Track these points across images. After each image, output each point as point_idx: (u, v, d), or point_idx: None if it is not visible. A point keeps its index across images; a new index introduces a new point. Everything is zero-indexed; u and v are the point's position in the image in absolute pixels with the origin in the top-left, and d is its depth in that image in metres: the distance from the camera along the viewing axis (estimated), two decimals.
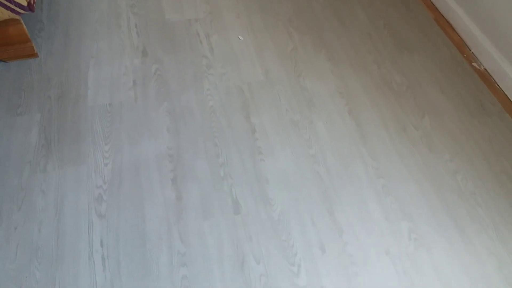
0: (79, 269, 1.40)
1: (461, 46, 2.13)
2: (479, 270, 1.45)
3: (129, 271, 1.40)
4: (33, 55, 1.95)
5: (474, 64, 2.06)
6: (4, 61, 1.93)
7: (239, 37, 2.11)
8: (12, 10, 1.69)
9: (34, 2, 1.76)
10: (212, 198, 1.57)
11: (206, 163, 1.66)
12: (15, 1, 1.66)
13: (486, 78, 2.01)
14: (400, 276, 1.42)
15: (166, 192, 1.57)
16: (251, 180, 1.63)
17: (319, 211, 1.56)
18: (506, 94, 1.94)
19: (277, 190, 1.61)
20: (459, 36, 2.17)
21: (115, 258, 1.42)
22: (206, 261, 1.43)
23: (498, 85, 1.97)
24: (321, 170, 1.67)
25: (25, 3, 1.69)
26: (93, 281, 1.38)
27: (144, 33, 2.11)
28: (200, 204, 1.55)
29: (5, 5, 1.66)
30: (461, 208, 1.59)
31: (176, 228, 1.49)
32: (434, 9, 2.30)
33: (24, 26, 1.82)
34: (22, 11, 1.71)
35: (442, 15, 2.26)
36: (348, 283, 1.40)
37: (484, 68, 2.04)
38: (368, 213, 1.56)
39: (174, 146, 1.71)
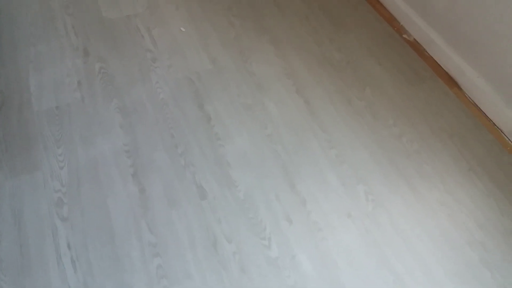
0: (49, 274, 1.36)
1: (391, 20, 2.28)
2: (433, 220, 1.58)
3: (101, 269, 1.38)
4: None
5: (405, 35, 2.21)
6: None
7: (181, 28, 2.12)
8: None
9: None
10: (176, 187, 1.59)
11: (165, 154, 1.67)
12: None
13: (416, 47, 2.17)
14: (363, 236, 1.52)
15: (128, 186, 1.57)
16: (212, 165, 1.66)
17: (281, 186, 1.62)
18: (435, 60, 2.10)
19: (239, 171, 1.65)
20: (388, 11, 2.31)
21: (85, 258, 1.40)
22: (179, 248, 1.44)
23: (428, 53, 2.14)
24: (278, 148, 1.73)
25: None
26: (65, 284, 1.35)
27: (83, 33, 2.06)
28: (165, 194, 1.56)
29: None
30: (409, 167, 1.72)
31: (143, 220, 1.49)
32: None
33: None
34: None
35: None
36: (317, 248, 1.48)
37: (414, 39, 2.19)
38: (326, 181, 1.65)
39: (129, 141, 1.70)
